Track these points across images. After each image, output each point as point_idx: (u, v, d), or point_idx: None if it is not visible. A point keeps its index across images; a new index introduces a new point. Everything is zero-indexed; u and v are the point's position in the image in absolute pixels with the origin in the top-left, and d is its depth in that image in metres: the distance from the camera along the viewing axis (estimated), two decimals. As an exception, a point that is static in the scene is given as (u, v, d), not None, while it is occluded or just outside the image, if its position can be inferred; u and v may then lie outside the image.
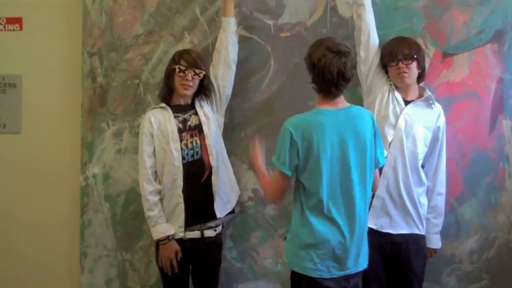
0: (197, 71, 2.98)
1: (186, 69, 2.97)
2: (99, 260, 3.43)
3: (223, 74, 3.13)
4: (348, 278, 2.55)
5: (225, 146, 3.15)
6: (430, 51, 3.15)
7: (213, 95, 3.13)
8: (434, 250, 3.04)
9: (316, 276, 2.51)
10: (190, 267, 3.08)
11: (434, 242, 3.02)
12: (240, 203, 3.25)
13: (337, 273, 2.52)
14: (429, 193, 2.99)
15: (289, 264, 2.60)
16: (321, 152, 2.48)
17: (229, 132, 3.25)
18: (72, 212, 3.50)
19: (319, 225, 2.51)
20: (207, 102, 3.11)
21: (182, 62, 2.98)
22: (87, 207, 3.43)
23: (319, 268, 2.51)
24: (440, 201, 3.01)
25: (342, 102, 2.59)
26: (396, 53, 2.91)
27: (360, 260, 2.57)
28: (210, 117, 3.06)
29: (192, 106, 3.07)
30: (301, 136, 2.50)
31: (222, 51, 3.12)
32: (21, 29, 3.61)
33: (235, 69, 3.16)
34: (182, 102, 3.06)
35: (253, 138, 2.92)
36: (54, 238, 3.57)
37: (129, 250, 3.41)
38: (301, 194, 2.57)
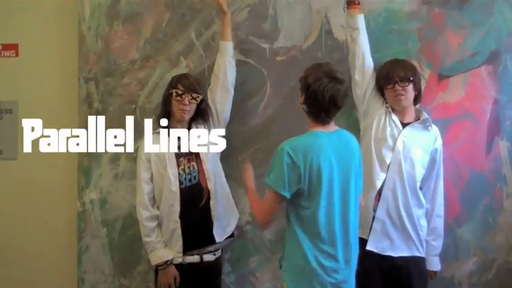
0: (194, 95, 2.99)
1: (183, 93, 2.97)
2: (97, 286, 3.41)
3: (222, 98, 3.13)
4: None
5: (223, 170, 3.15)
6: (425, 73, 3.16)
7: (210, 119, 3.13)
8: (434, 272, 3.03)
9: None
10: (189, 292, 3.06)
11: (434, 264, 3.01)
12: (238, 227, 3.23)
13: None
14: (428, 215, 2.99)
15: None
16: (322, 175, 2.49)
17: (227, 156, 3.24)
18: (69, 238, 3.49)
19: (315, 250, 2.51)
20: (205, 126, 3.11)
21: (179, 86, 2.99)
22: (84, 232, 3.42)
23: None
24: (440, 223, 3.00)
25: (332, 125, 2.62)
26: (392, 76, 2.92)
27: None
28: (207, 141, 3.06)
29: (189, 131, 3.07)
30: (303, 159, 2.49)
31: (220, 75, 3.12)
32: (17, 55, 3.62)
33: (233, 92, 3.17)
34: (179, 127, 3.06)
35: (246, 161, 2.92)
36: (51, 264, 3.56)
37: (127, 276, 3.39)
38: (296, 219, 2.56)
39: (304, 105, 2.60)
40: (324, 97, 2.51)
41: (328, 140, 2.54)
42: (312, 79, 2.54)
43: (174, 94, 2.98)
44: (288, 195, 2.52)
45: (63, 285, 3.54)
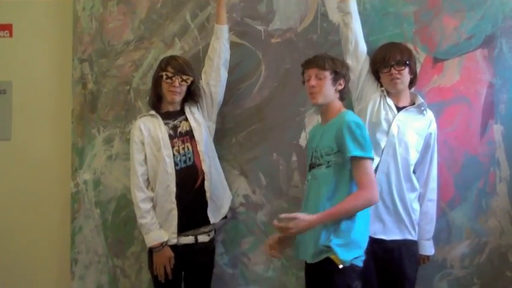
0: (184, 77, 2.98)
1: (173, 76, 2.97)
2: (90, 266, 3.42)
3: (216, 81, 3.13)
4: None
5: (216, 151, 3.15)
6: (420, 57, 3.14)
7: (204, 101, 3.13)
8: (428, 257, 3.03)
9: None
10: (183, 273, 3.07)
11: (427, 248, 3.01)
12: (231, 208, 3.24)
13: None
14: (420, 199, 2.99)
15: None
16: None
17: (220, 137, 3.25)
18: (62, 219, 3.49)
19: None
20: (198, 108, 3.12)
21: (169, 68, 2.99)
22: (77, 213, 3.42)
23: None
24: (432, 207, 3.00)
25: None
26: (389, 59, 2.91)
27: None
28: (201, 123, 3.07)
29: (181, 112, 3.08)
30: None
31: (214, 58, 3.11)
32: (11, 35, 3.60)
33: (227, 75, 3.16)
34: (171, 109, 3.06)
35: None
36: (44, 244, 3.56)
37: (120, 256, 3.39)
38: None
39: (342, 90, 2.71)
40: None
41: None
42: None
43: (164, 77, 2.98)
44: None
45: (56, 265, 3.54)
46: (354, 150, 2.53)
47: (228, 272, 3.31)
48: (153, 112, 3.06)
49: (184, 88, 3.01)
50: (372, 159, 2.61)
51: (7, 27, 3.60)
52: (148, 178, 3.01)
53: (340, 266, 2.52)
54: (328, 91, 2.66)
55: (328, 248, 2.53)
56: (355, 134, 2.56)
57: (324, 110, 2.72)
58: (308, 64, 2.71)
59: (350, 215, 2.55)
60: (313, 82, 2.66)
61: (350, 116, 2.64)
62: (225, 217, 3.15)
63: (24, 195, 3.58)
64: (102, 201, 3.40)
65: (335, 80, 2.67)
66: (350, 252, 2.57)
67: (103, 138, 3.40)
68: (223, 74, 3.15)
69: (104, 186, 3.40)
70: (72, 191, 3.42)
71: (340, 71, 2.68)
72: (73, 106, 3.42)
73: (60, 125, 3.50)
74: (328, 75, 2.65)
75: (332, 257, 2.53)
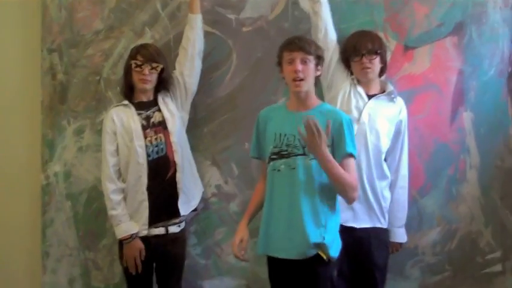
0: (154, 65, 2.96)
1: (143, 64, 2.95)
2: (62, 259, 3.38)
3: (190, 71, 3.10)
4: None
5: (188, 142, 3.13)
6: (391, 44, 3.15)
7: (178, 91, 3.11)
8: (400, 244, 3.05)
9: None
10: (155, 264, 3.05)
11: (400, 235, 3.02)
12: (203, 199, 3.23)
13: None
14: (392, 187, 3.00)
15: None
16: None
17: (192, 127, 3.22)
18: (33, 211, 3.44)
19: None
20: (172, 99, 3.09)
21: (138, 56, 2.96)
22: (48, 206, 3.37)
23: None
24: (403, 194, 3.01)
25: None
26: (359, 48, 2.91)
27: None
28: (174, 114, 3.05)
29: (154, 103, 3.05)
30: None
31: (188, 48, 3.08)
32: (-22, 25, 3.54)
33: (201, 65, 3.14)
34: (144, 99, 3.04)
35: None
36: (15, 238, 3.50)
37: (92, 249, 3.36)
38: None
39: (319, 76, 2.67)
40: None
41: None
42: None
43: (133, 65, 2.96)
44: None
45: (27, 258, 3.49)
46: (350, 147, 2.54)
47: (201, 262, 3.30)
48: (126, 102, 3.04)
49: (154, 76, 2.99)
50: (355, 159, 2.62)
51: (-26, 18, 3.53)
52: (119, 169, 2.99)
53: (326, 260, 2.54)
54: (312, 77, 2.61)
55: (322, 245, 2.52)
56: (352, 132, 2.58)
57: (302, 97, 2.62)
58: (292, 46, 2.59)
59: (334, 183, 2.51)
60: (298, 66, 2.56)
61: (343, 112, 2.65)
62: (195, 209, 3.13)
63: (-7, 188, 3.52)
64: (73, 194, 3.36)
65: (317, 65, 2.62)
66: (337, 247, 2.60)
67: (73, 129, 3.35)
68: (198, 64, 3.12)
69: (74, 178, 3.36)
70: (43, 184, 3.37)
71: (321, 56, 2.63)
72: (42, 97, 3.37)
73: (30, 116, 3.44)
74: (312, 59, 2.59)
75: (321, 253, 2.53)
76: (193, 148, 3.18)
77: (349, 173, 2.53)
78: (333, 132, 2.53)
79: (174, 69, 3.13)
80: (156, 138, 2.99)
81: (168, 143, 3.00)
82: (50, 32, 3.37)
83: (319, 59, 2.62)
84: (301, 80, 2.57)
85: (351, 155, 2.55)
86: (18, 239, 3.51)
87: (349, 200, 2.57)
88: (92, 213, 3.33)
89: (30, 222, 3.46)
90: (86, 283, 3.37)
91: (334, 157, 2.50)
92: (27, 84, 3.46)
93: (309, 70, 2.58)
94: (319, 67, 2.64)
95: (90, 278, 3.37)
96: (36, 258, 3.43)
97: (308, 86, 2.60)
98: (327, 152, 2.46)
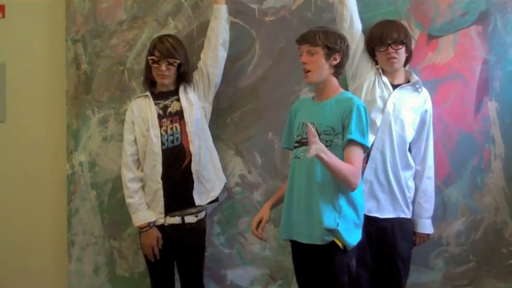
0: (170, 60, 2.98)
1: (159, 60, 2.97)
2: (87, 248, 3.41)
3: (213, 61, 3.10)
4: None
5: (211, 132, 3.14)
6: (415, 34, 3.13)
7: (201, 81, 3.12)
8: (428, 235, 3.02)
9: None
10: (176, 254, 3.08)
11: (427, 226, 3.00)
12: (227, 188, 3.25)
13: None
14: (418, 177, 2.98)
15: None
16: None
17: (215, 117, 3.23)
18: (59, 201, 3.47)
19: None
20: (194, 89, 3.10)
21: (155, 52, 2.99)
22: (74, 195, 3.41)
23: None
24: (430, 185, 3.00)
25: None
26: (385, 38, 2.89)
27: None
28: (193, 103, 3.05)
29: (175, 92, 3.07)
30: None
31: (212, 38, 3.08)
32: (3, 16, 3.56)
33: (225, 56, 3.13)
34: (165, 89, 3.07)
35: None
36: (41, 227, 3.54)
37: (117, 238, 3.39)
38: None
39: (338, 65, 2.64)
40: None
41: None
42: None
43: (150, 61, 2.99)
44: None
45: (53, 247, 3.53)
46: (354, 134, 2.52)
47: (225, 252, 3.32)
48: (147, 93, 3.08)
49: (172, 71, 3.01)
50: (367, 148, 2.60)
51: (0, 8, 3.56)
52: (138, 158, 3.04)
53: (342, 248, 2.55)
54: (321, 68, 2.61)
55: (335, 231, 2.54)
56: (362, 119, 2.55)
57: (320, 87, 2.67)
58: (300, 39, 2.66)
59: (334, 177, 2.51)
60: (304, 58, 2.61)
61: (358, 99, 2.64)
62: (216, 200, 3.14)
63: (19, 178, 3.55)
64: (98, 183, 3.39)
65: (328, 56, 2.60)
66: (354, 236, 2.60)
67: (98, 119, 3.38)
68: (222, 55, 3.11)
69: (99, 168, 3.39)
70: (68, 173, 3.40)
71: (333, 46, 2.60)
72: (67, 87, 3.40)
73: (55, 106, 3.47)
74: (320, 50, 2.59)
75: (336, 239, 2.54)
76: (217, 138, 3.20)
77: (350, 160, 2.51)
78: (343, 119, 2.56)
79: (198, 59, 3.14)
80: (171, 128, 3.02)
81: (184, 132, 3.01)
82: (74, 23, 3.39)
83: (330, 49, 2.60)
84: (308, 71, 2.61)
85: (355, 142, 2.53)
86: (44, 228, 3.55)
87: (350, 188, 2.56)
88: (117, 202, 3.36)
89: (56, 211, 3.50)
90: (111, 271, 3.40)
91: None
92: (52, 74, 3.50)
93: (316, 61, 2.60)
94: (335, 56, 2.62)
95: (115, 266, 3.40)
96: (61, 246, 3.47)
97: (319, 76, 2.62)
98: (320, 152, 2.42)
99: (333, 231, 2.54)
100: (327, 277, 2.59)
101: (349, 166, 2.50)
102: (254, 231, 2.76)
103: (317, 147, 2.39)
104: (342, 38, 2.66)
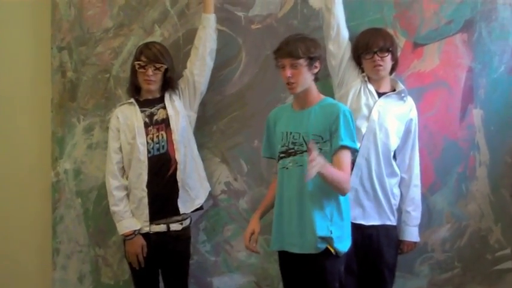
0: (157, 65, 2.97)
1: (146, 65, 2.96)
2: (72, 256, 3.40)
3: (200, 70, 3.10)
4: None
5: (197, 139, 3.14)
6: (400, 42, 3.15)
7: (187, 89, 3.11)
8: (414, 243, 3.03)
9: None
10: (160, 262, 3.07)
11: (414, 234, 3.01)
12: (213, 196, 3.25)
13: None
14: (405, 186, 3.00)
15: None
16: None
17: (201, 125, 3.23)
18: (43, 208, 3.45)
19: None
20: (180, 97, 3.10)
21: (142, 57, 2.98)
22: (58, 203, 3.39)
23: None
24: (417, 193, 3.01)
25: None
26: (371, 46, 2.90)
27: None
28: (179, 111, 3.05)
29: (161, 100, 3.06)
30: None
31: (200, 47, 3.08)
32: (-12, 23, 3.55)
33: (212, 65, 3.14)
34: (150, 97, 3.06)
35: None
36: (25, 235, 3.52)
37: (102, 246, 3.37)
38: None
39: (318, 71, 2.67)
40: None
41: None
42: None
43: (137, 66, 2.98)
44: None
45: (38, 255, 3.51)
46: (345, 140, 2.55)
47: (211, 259, 3.31)
48: (131, 100, 3.06)
49: (159, 76, 3.00)
50: (356, 151, 2.63)
51: (-16, 16, 3.54)
52: (123, 166, 3.03)
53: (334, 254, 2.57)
54: (306, 78, 2.63)
55: (329, 239, 2.56)
56: (349, 124, 2.58)
57: (301, 95, 2.68)
58: (281, 53, 2.64)
59: (330, 184, 2.53)
60: (288, 73, 2.61)
61: (342, 105, 2.67)
62: (201, 208, 3.13)
63: (3, 185, 3.53)
64: (83, 191, 3.38)
65: (310, 65, 2.62)
66: (345, 243, 2.63)
67: (83, 127, 3.37)
68: (209, 64, 3.12)
69: (84, 176, 3.38)
70: (53, 181, 3.39)
71: (314, 55, 2.62)
72: (52, 95, 3.38)
73: (40, 114, 3.45)
74: (303, 62, 2.60)
75: (329, 247, 2.57)
76: (203, 145, 3.20)
77: (341, 166, 2.55)
78: (330, 125, 2.57)
79: (184, 67, 3.14)
80: (157, 136, 3.01)
81: (169, 140, 3.01)
82: (60, 30, 3.38)
83: (312, 59, 2.62)
84: (293, 83, 2.62)
85: (345, 147, 2.57)
86: (28, 235, 3.52)
87: (342, 193, 2.60)
88: (102, 210, 3.34)
89: (41, 219, 3.48)
90: (95, 279, 3.39)
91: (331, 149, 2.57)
92: (37, 82, 3.48)
93: (300, 73, 2.61)
94: (316, 64, 2.64)
95: (100, 274, 3.39)
96: (46, 254, 3.45)
97: (303, 86, 2.64)
98: (321, 170, 2.43)
99: (327, 239, 2.56)
100: (319, 284, 2.60)
101: (343, 174, 2.54)
102: (247, 244, 2.77)
103: (318, 166, 2.40)
104: (318, 44, 2.70)
